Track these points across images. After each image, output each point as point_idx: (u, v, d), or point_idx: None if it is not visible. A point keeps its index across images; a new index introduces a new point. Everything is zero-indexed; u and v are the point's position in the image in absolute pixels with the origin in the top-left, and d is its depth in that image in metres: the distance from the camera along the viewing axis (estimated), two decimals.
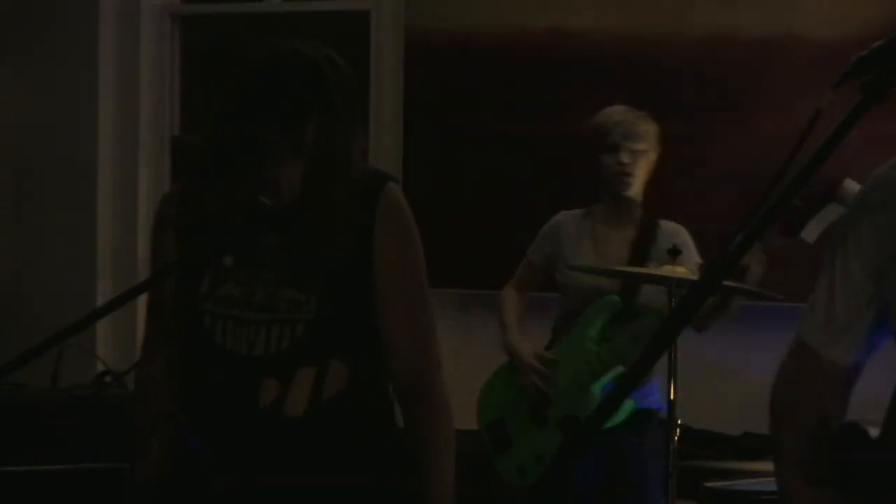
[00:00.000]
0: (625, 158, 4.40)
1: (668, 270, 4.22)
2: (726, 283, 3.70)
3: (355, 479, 2.78)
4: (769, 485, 3.46)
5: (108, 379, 4.49)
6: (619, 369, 4.52)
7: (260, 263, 2.80)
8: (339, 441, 2.77)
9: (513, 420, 4.66)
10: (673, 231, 4.55)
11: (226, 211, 2.71)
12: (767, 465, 3.12)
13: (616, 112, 4.55)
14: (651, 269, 4.37)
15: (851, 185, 2.57)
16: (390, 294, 2.79)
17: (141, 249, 6.00)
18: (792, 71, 5.05)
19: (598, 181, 4.58)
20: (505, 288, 4.72)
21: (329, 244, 2.77)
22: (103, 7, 5.98)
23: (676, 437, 4.16)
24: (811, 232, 2.57)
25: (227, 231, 2.74)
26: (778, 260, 4.24)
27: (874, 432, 2.09)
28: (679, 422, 4.18)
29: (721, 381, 5.12)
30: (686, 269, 4.23)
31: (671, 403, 4.16)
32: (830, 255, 2.17)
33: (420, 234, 2.82)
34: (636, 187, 4.48)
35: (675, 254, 4.37)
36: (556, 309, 4.78)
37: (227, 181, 2.74)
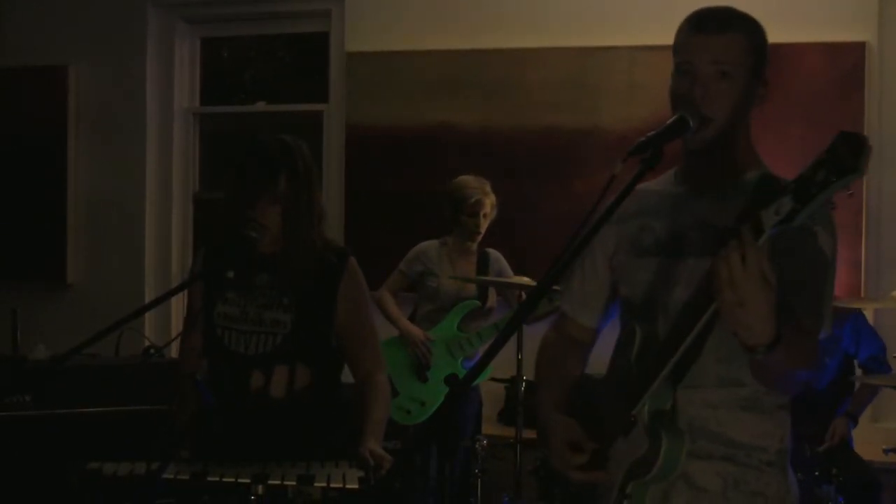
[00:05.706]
0: (479, 221, 5.10)
1: (517, 279, 5.01)
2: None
3: (310, 429, 3.04)
4: None
5: (151, 351, 4.84)
6: (472, 349, 5.14)
7: (253, 294, 3.06)
8: (304, 414, 3.04)
9: (398, 377, 5.03)
10: (495, 256, 5.31)
11: (231, 259, 2.96)
12: None
13: (472, 182, 5.05)
14: (515, 279, 4.97)
15: None
16: (351, 326, 3.09)
17: (173, 267, 6.69)
18: (596, 151, 5.78)
19: (453, 225, 5.19)
20: (381, 290, 5.12)
21: (300, 285, 3.04)
22: (150, 108, 6.72)
23: (523, 388, 4.64)
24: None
25: (232, 274, 3.00)
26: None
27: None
28: (524, 378, 4.66)
29: None
30: (527, 279, 4.84)
31: (519, 364, 4.64)
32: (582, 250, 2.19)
33: (358, 258, 3.10)
34: (481, 236, 5.20)
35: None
36: (420, 303, 5.28)
37: (231, 223, 2.91)
